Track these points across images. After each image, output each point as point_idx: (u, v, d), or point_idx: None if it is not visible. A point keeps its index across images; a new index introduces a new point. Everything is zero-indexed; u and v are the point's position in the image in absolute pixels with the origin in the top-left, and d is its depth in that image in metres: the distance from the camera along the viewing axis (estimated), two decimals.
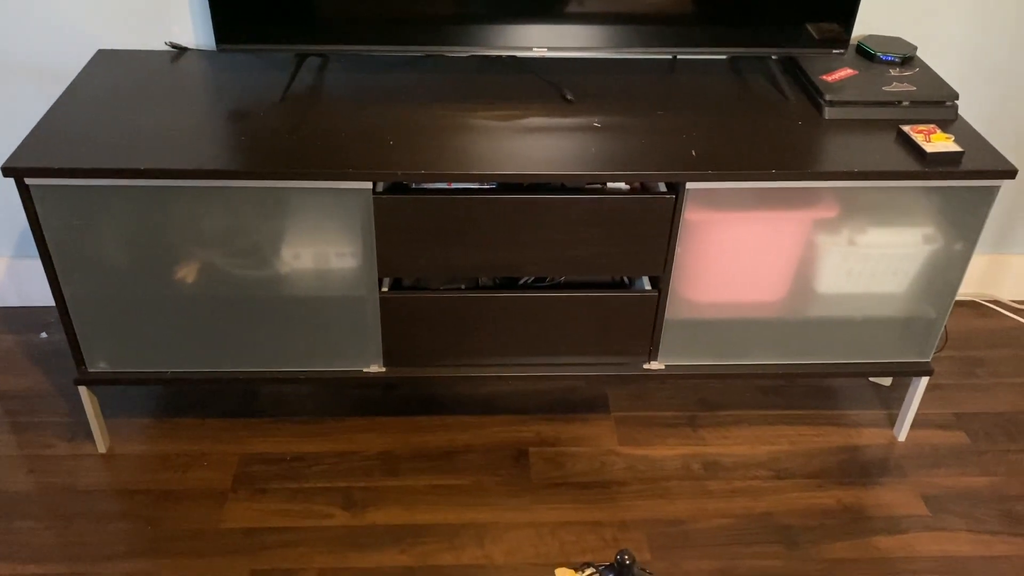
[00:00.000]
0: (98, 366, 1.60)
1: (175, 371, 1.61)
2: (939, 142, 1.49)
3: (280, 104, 1.58)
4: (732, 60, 1.81)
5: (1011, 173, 1.44)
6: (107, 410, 1.76)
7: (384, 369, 1.64)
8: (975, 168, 1.44)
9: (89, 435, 1.73)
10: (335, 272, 1.53)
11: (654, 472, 1.73)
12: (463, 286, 1.62)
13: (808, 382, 1.95)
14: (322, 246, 1.50)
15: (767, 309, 1.64)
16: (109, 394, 1.81)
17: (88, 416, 1.68)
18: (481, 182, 1.47)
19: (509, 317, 1.59)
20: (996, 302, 2.19)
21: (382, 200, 1.44)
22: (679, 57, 1.79)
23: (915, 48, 1.71)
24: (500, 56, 1.73)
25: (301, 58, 1.69)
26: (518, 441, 1.79)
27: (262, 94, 1.61)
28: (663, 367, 1.68)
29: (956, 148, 1.47)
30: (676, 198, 1.47)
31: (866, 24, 1.79)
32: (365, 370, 1.64)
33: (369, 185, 1.43)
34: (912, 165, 1.45)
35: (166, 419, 1.81)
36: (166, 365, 1.61)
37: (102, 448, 1.73)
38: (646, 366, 1.67)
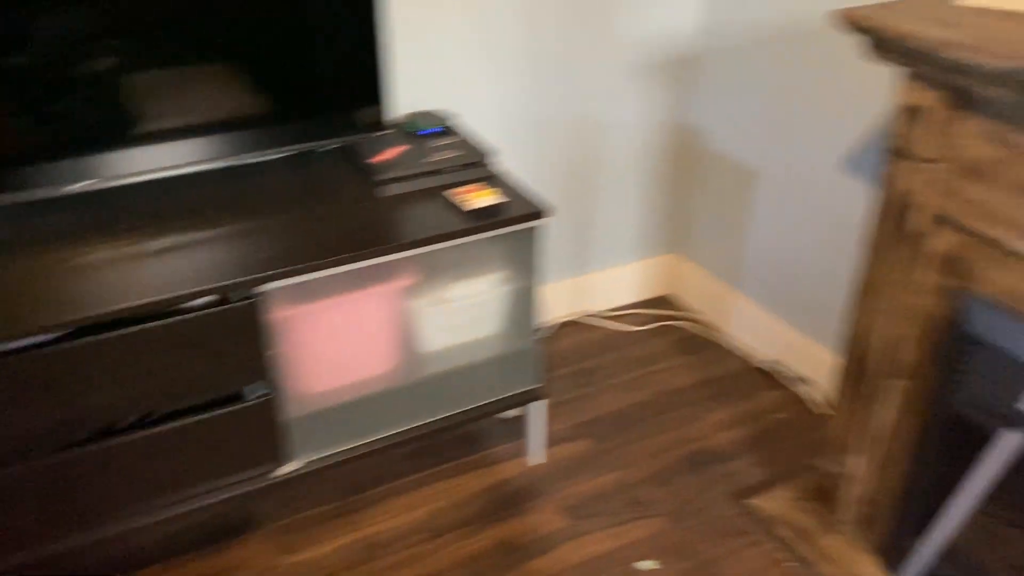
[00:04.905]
0: None
1: None
2: (484, 198, 1.66)
3: None
4: (291, 157, 1.87)
5: (538, 215, 1.65)
6: None
7: None
8: (511, 216, 1.63)
9: None
10: None
11: (320, 572, 1.70)
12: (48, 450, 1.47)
13: (445, 436, 2.05)
14: None
15: (383, 381, 1.70)
16: None
17: None
18: (43, 334, 1.36)
19: (116, 467, 1.48)
20: (591, 315, 2.48)
21: None
22: (237, 164, 1.81)
23: (454, 116, 1.90)
24: (31, 201, 1.62)
25: None
26: None
27: None
28: (302, 465, 1.66)
29: (498, 200, 1.65)
30: (255, 302, 1.48)
31: (412, 102, 1.95)
32: None
33: None
34: (459, 224, 1.60)
35: None
36: None
37: None
38: (281, 471, 1.64)
